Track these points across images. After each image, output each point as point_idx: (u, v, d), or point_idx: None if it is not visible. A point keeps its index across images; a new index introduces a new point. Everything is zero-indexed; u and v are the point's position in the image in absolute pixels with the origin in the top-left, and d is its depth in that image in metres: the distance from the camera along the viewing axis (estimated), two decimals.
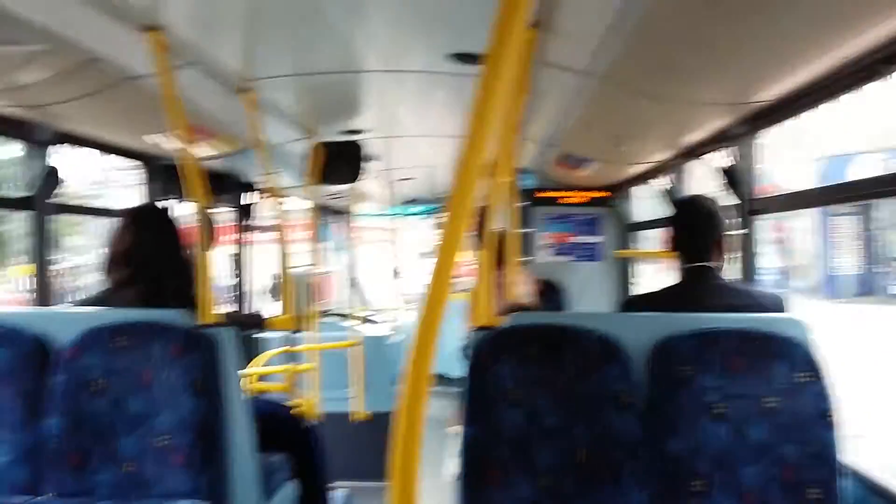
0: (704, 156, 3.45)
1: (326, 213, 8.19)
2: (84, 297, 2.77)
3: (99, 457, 2.21)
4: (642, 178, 4.70)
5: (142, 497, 2.18)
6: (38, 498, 2.19)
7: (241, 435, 2.37)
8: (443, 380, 5.15)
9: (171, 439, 2.20)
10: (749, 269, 3.07)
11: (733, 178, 3.09)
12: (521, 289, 4.19)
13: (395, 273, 6.55)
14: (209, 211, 2.44)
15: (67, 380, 2.25)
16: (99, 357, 2.26)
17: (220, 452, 2.25)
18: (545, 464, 2.03)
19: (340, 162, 3.80)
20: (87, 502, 2.15)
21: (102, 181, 14.98)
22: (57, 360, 2.28)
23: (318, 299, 3.85)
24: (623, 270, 5.79)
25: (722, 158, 3.22)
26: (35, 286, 3.10)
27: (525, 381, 2.07)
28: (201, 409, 2.23)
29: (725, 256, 2.41)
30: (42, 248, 3.08)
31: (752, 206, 3.04)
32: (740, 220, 3.01)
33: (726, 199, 3.08)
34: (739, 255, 2.98)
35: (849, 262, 19.36)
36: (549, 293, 5.60)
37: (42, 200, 3.07)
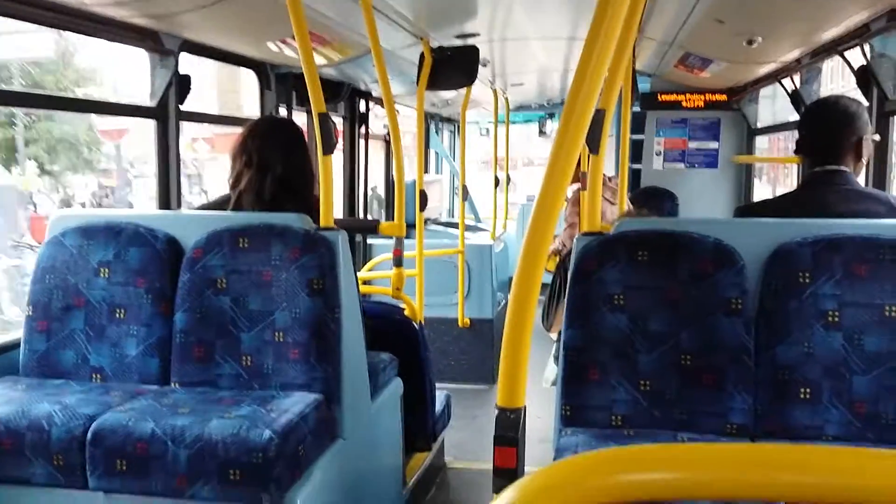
0: (840, 53, 3.21)
1: (435, 120, 8.20)
2: (207, 201, 2.91)
3: (221, 350, 2.36)
4: (769, 78, 4.42)
5: (259, 388, 2.34)
6: (165, 387, 2.38)
7: (352, 333, 2.47)
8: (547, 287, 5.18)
9: (288, 335, 2.33)
10: (882, 174, 2.88)
11: (870, 76, 2.87)
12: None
13: (500, 182, 6.52)
14: (330, 116, 2.49)
15: (193, 278, 2.40)
16: (222, 257, 2.39)
17: (333, 349, 2.34)
18: (647, 367, 2.04)
19: (454, 67, 3.76)
20: (210, 391, 2.30)
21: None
22: (185, 260, 2.44)
23: (425, 207, 3.91)
24: (745, 177, 5.53)
25: (859, 56, 2.98)
26: (163, 191, 3.26)
27: (631, 286, 2.05)
28: (317, 308, 2.32)
29: (862, 161, 2.24)
30: (169, 155, 3.22)
31: (890, 107, 2.83)
32: (875, 122, 2.82)
33: (862, 100, 2.88)
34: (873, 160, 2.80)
35: None
36: (660, 202, 5.46)
37: (171, 108, 3.19)
